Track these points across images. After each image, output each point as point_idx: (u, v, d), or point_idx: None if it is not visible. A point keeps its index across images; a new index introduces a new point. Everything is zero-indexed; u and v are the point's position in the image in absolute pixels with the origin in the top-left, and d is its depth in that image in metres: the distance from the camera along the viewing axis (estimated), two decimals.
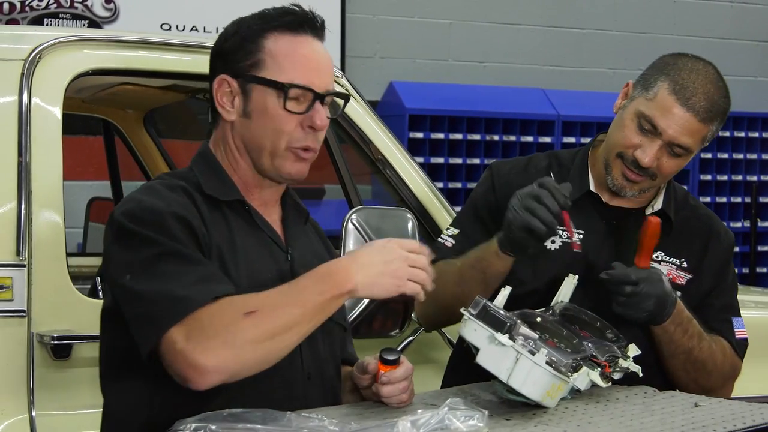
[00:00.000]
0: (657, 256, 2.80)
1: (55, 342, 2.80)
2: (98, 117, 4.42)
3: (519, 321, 2.29)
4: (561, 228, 2.68)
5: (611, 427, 2.25)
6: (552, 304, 2.55)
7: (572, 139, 8.43)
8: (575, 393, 2.43)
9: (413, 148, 7.64)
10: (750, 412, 2.38)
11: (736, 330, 2.87)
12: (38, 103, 2.93)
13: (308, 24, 2.35)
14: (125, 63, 3.16)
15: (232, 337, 2.09)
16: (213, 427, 1.96)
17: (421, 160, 7.56)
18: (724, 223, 3.05)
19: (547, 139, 8.34)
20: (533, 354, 2.24)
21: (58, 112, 2.95)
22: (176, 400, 2.16)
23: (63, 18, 7.16)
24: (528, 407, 2.33)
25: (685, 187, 3.04)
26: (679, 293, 2.75)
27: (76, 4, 7.18)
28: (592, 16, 8.83)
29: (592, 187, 2.83)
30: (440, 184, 7.65)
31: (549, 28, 8.71)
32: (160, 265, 2.16)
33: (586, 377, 2.39)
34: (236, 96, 2.34)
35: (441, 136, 7.98)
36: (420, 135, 7.90)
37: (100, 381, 2.34)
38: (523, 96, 8.40)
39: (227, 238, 2.29)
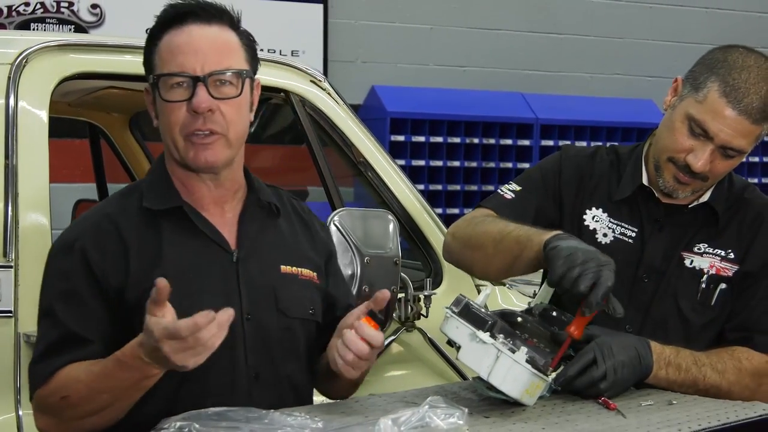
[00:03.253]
0: (699, 249, 2.73)
1: None
2: (84, 120, 4.41)
3: (500, 320, 2.29)
4: (616, 222, 2.74)
5: (588, 424, 2.25)
6: (531, 305, 2.55)
7: (550, 142, 8.44)
8: (553, 391, 2.43)
9: (394, 151, 7.64)
10: (724, 410, 2.39)
11: None
12: (25, 106, 2.92)
13: (188, 14, 2.31)
14: (111, 67, 3.15)
15: (59, 414, 2.22)
16: (197, 425, 1.95)
17: (402, 162, 7.57)
18: None
19: (526, 142, 8.35)
20: (513, 352, 2.24)
21: (44, 115, 2.94)
22: None
23: (49, 23, 7.14)
24: (507, 405, 2.33)
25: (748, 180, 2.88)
26: (723, 285, 2.70)
27: (62, 9, 7.16)
28: (570, 22, 8.85)
29: (645, 181, 2.76)
30: (421, 186, 7.65)
31: (528, 33, 8.73)
32: (40, 323, 2.30)
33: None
34: (152, 103, 2.36)
35: (422, 139, 7.99)
36: (401, 138, 7.91)
37: None
38: (502, 100, 8.41)
39: (153, 256, 2.27)
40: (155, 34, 2.33)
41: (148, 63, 2.35)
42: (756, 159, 8.87)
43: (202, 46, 2.29)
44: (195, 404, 2.07)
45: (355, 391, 2.55)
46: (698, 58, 2.68)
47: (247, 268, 2.35)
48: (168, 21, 2.32)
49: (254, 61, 2.39)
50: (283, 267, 2.43)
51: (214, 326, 1.97)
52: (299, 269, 2.45)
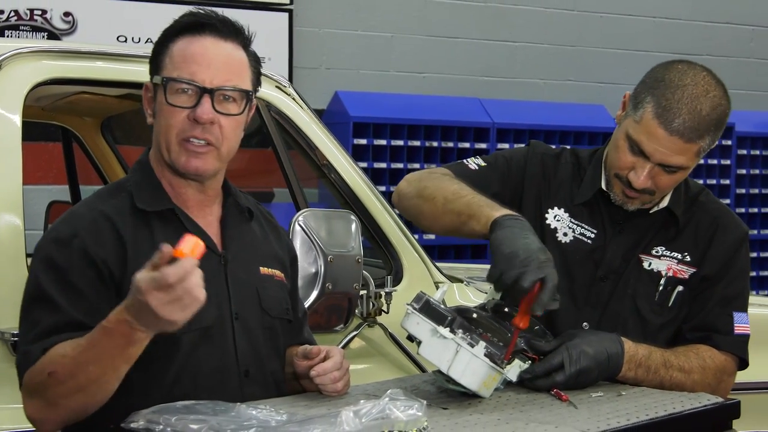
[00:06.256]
0: (657, 251, 2.74)
1: (15, 339, 2.76)
2: (57, 124, 4.38)
3: (458, 316, 2.30)
4: (577, 223, 2.73)
5: (542, 414, 2.26)
6: (484, 302, 2.56)
7: (506, 145, 8.45)
8: (507, 384, 2.44)
9: (357, 154, 7.63)
10: (671, 401, 2.41)
11: (736, 325, 2.70)
12: None
13: (207, 25, 2.31)
14: (83, 73, 3.13)
15: (44, 394, 2.11)
16: (166, 417, 1.95)
17: (364, 165, 7.56)
18: (738, 218, 2.84)
19: (483, 146, 8.36)
20: (472, 347, 2.25)
21: (18, 119, 2.92)
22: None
23: (23, 30, 7.08)
24: (465, 397, 2.34)
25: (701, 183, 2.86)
26: (681, 288, 2.71)
27: (35, 17, 7.10)
28: (525, 30, 8.87)
29: (603, 186, 2.75)
30: (382, 188, 7.64)
31: (484, 41, 8.74)
32: (30, 310, 2.21)
33: (518, 369, 2.41)
34: (151, 101, 2.34)
35: (383, 142, 7.98)
36: (363, 141, 7.89)
37: None
38: (460, 105, 8.42)
39: (150, 255, 2.24)
40: (169, 36, 2.32)
41: (156, 62, 2.33)
42: (714, 161, 8.93)
43: (216, 60, 2.29)
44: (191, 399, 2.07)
45: None
46: (647, 70, 2.67)
47: (234, 270, 2.35)
48: (186, 26, 2.31)
49: (257, 82, 2.40)
50: (262, 268, 2.43)
51: (198, 274, 1.91)
52: (273, 271, 2.47)
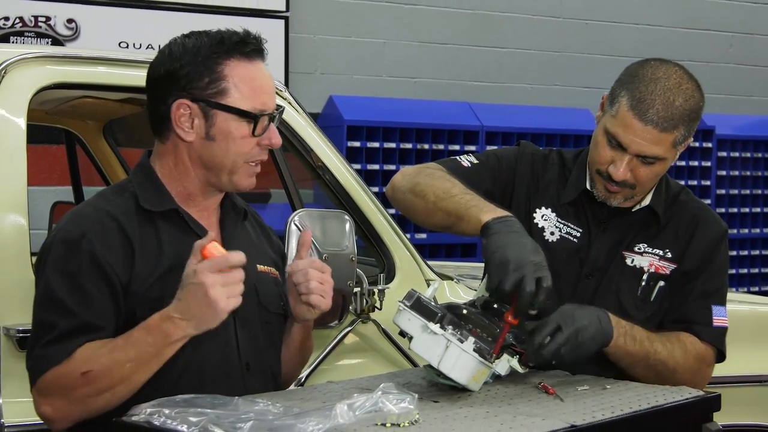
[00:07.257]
0: (639, 248, 2.74)
1: (21, 335, 2.76)
2: (61, 127, 4.38)
3: (448, 312, 2.30)
4: (563, 222, 2.74)
5: (529, 407, 2.26)
6: (474, 298, 2.56)
7: (495, 148, 8.46)
8: (496, 378, 2.44)
9: (351, 156, 7.63)
10: (654, 394, 2.41)
11: (714, 318, 2.72)
12: (4, 114, 2.89)
13: (259, 51, 2.33)
14: (85, 78, 3.13)
15: (71, 393, 2.14)
16: (166, 411, 1.95)
17: (358, 166, 7.56)
18: (717, 215, 2.86)
19: (472, 148, 8.36)
20: (462, 342, 2.25)
21: (22, 122, 2.92)
22: None
23: (28, 36, 7.07)
24: (455, 390, 2.34)
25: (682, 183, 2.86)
26: (662, 283, 2.72)
27: (39, 24, 7.09)
28: (512, 36, 8.88)
29: (588, 186, 2.76)
30: (375, 189, 7.65)
31: (473, 47, 8.75)
32: (41, 311, 2.21)
33: (506, 363, 2.41)
34: (196, 119, 2.29)
35: (376, 145, 7.98)
36: (357, 144, 7.90)
37: None
38: (450, 109, 8.42)
39: (155, 252, 2.26)
40: (217, 57, 2.29)
41: (207, 82, 2.29)
42: (695, 163, 8.95)
43: (272, 86, 2.36)
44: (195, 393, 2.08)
45: (304, 365, 2.66)
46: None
47: None
48: (242, 53, 2.31)
49: None
50: (258, 266, 2.45)
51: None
52: (269, 268, 2.48)
